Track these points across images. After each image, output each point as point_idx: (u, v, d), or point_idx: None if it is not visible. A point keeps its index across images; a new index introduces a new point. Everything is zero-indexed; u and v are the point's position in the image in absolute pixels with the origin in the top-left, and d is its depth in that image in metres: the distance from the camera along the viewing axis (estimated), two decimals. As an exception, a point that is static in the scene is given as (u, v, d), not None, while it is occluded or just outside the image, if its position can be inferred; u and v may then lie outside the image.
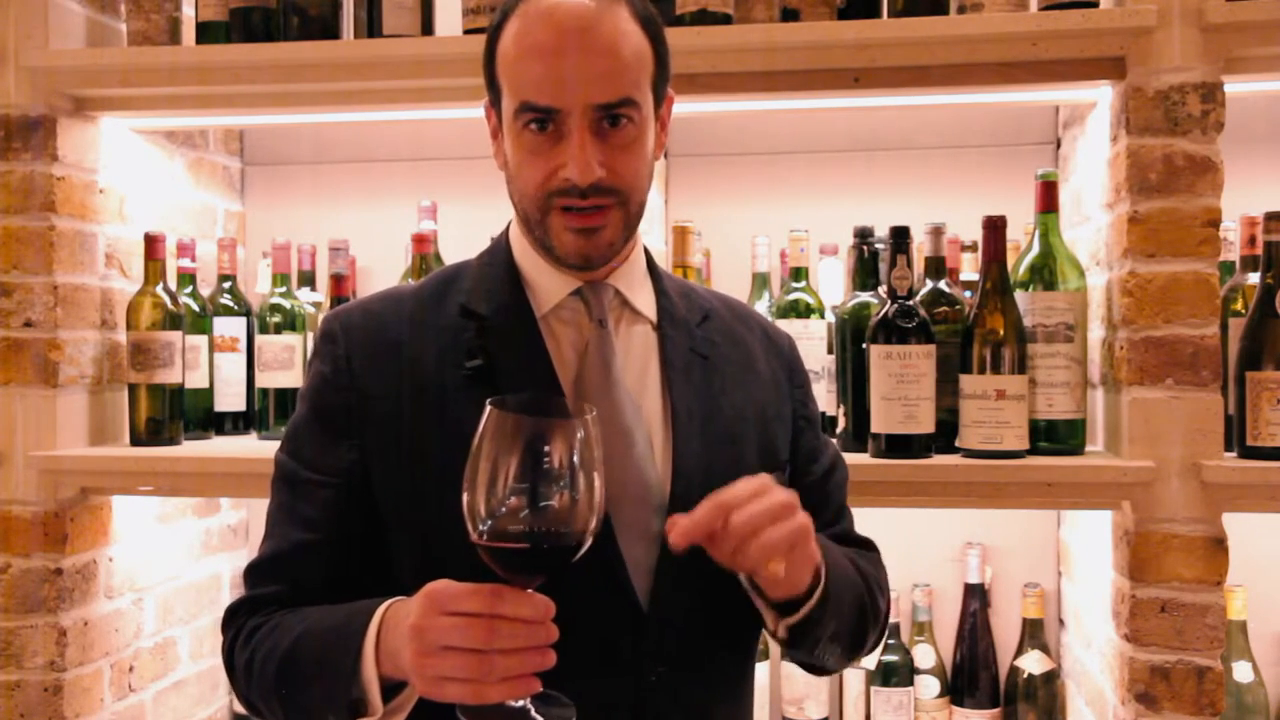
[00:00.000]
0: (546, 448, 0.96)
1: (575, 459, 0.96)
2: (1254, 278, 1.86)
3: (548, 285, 1.22)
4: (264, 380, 2.12)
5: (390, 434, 1.17)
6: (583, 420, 0.98)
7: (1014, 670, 2.17)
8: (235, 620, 1.22)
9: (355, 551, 1.19)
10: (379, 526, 1.18)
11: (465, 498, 0.97)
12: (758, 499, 1.05)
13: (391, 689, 1.07)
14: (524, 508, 0.95)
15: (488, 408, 0.97)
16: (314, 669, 1.10)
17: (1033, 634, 2.17)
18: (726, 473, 1.20)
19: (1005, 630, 2.23)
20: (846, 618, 1.21)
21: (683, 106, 2.03)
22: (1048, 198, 1.87)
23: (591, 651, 1.11)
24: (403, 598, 1.07)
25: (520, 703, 0.98)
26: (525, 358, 1.19)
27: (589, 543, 0.98)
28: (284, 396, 2.10)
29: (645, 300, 1.27)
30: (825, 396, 1.96)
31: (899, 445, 1.78)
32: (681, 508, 1.15)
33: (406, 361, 1.19)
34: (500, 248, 1.27)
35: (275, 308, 2.14)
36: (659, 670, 1.15)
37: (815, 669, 1.30)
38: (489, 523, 0.96)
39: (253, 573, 1.23)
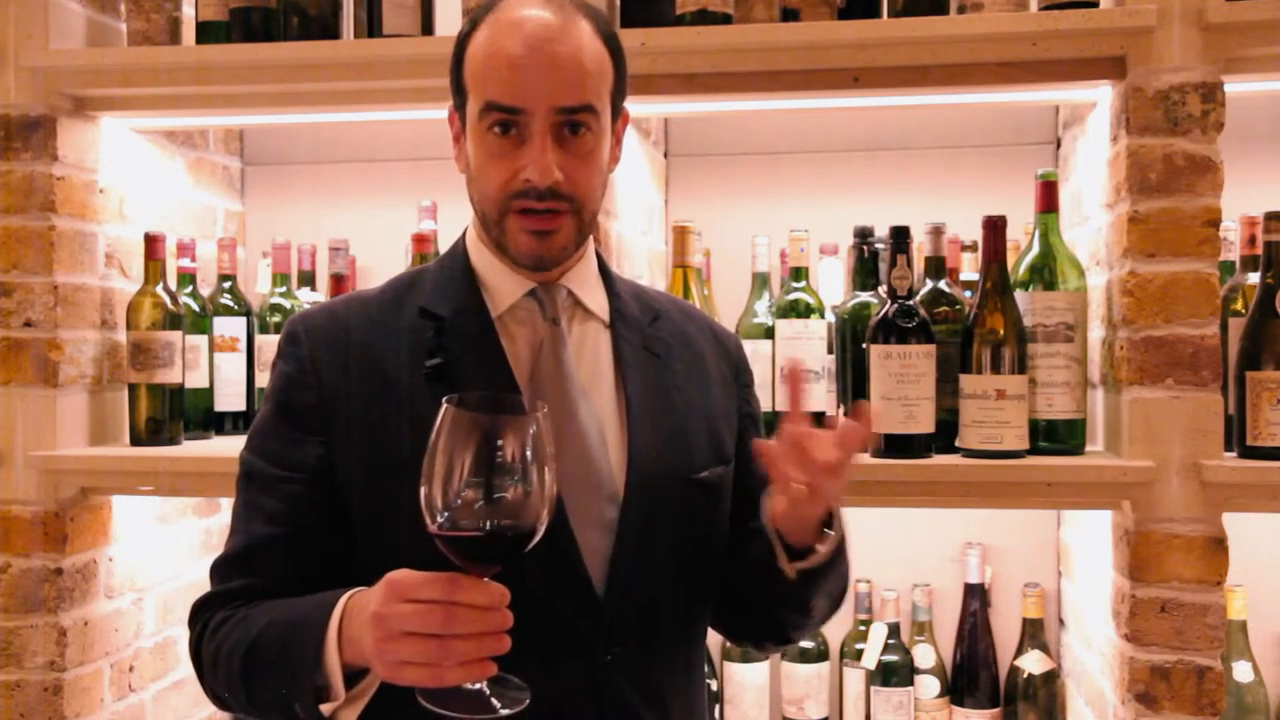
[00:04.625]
0: (500, 442, 1.00)
1: (528, 453, 1.01)
2: (1254, 278, 1.86)
3: (503, 286, 1.27)
4: (264, 380, 2.11)
5: (355, 431, 1.21)
6: (534, 416, 1.02)
7: (1014, 670, 2.17)
8: (202, 615, 1.25)
9: (320, 545, 1.22)
10: (344, 520, 1.22)
11: (423, 490, 1.01)
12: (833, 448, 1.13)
13: (353, 676, 1.11)
14: (479, 500, 1.00)
15: (444, 405, 1.01)
16: (279, 658, 1.14)
17: (1033, 634, 2.17)
18: (678, 465, 1.27)
19: (1005, 630, 2.22)
20: (838, 581, 1.29)
21: (683, 106, 2.05)
22: (1048, 198, 1.87)
23: (551, 635, 1.17)
24: (364, 588, 1.11)
25: (477, 686, 1.02)
26: (483, 356, 1.24)
27: (541, 532, 1.03)
28: (284, 396, 2.09)
29: (597, 301, 1.32)
30: (825, 396, 1.96)
31: (899, 445, 1.78)
32: (635, 498, 1.22)
33: (370, 361, 1.24)
34: (457, 252, 1.32)
35: (275, 308, 2.14)
36: (614, 650, 1.20)
37: (792, 629, 1.35)
38: (446, 514, 1.00)
39: (219, 568, 1.26)
